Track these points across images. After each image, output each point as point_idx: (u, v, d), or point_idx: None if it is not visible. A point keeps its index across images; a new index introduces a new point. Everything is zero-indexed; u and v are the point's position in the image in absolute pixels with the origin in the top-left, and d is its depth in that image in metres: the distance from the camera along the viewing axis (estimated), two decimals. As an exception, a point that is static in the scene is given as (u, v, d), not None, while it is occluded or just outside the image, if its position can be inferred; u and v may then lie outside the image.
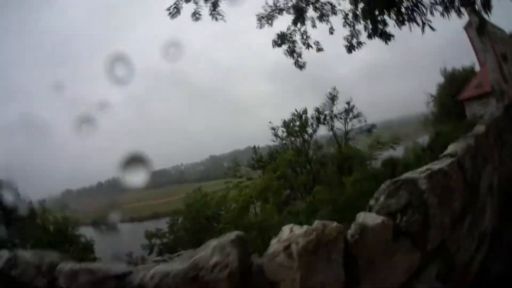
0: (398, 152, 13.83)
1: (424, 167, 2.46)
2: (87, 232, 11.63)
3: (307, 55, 8.40)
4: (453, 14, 5.90)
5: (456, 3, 5.76)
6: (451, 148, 3.28)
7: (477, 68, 20.25)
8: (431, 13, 5.86)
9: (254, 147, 20.92)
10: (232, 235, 1.67)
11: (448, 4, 5.75)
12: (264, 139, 21.73)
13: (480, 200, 3.20)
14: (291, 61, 8.29)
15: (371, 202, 2.09)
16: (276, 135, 20.66)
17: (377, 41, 7.18)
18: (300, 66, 8.49)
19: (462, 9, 5.95)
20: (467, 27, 16.84)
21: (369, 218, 1.85)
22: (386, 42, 6.82)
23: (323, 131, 21.10)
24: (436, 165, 2.57)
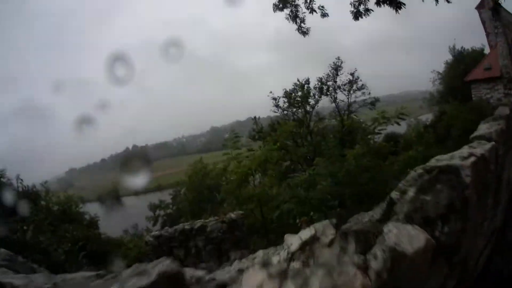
0: (400, 128, 13.60)
1: (465, 150, 1.91)
2: (92, 209, 11.85)
3: (310, 22, 7.93)
4: None
5: None
6: (483, 129, 2.80)
7: (487, 50, 19.45)
8: None
9: (255, 117, 20.64)
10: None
11: None
12: (265, 110, 21.42)
13: (501, 193, 2.79)
14: (294, 27, 7.85)
15: (394, 194, 1.69)
16: (277, 105, 20.30)
17: (385, 11, 6.72)
18: (303, 32, 8.03)
19: None
20: (479, 7, 15.87)
21: (403, 236, 1.31)
22: (396, 10, 6.36)
23: (325, 102, 20.67)
24: (476, 149, 2.06)
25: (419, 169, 1.66)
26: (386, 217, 1.73)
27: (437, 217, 1.48)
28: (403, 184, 1.68)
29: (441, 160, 1.78)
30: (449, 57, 24.53)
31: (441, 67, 25.57)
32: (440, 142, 12.85)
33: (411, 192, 1.59)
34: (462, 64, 22.04)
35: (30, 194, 9.51)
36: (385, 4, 6.46)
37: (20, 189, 9.45)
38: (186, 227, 7.15)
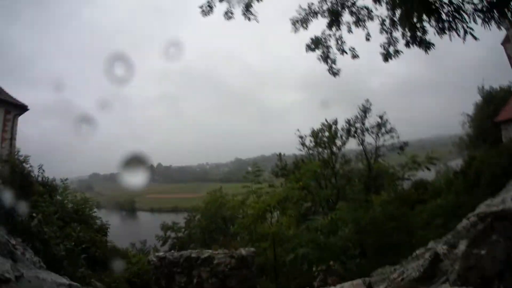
0: (428, 174, 12.81)
1: None
2: (106, 216, 11.89)
3: (340, 63, 8.07)
4: (493, 27, 5.30)
5: (495, 13, 5.16)
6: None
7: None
8: (474, 21, 5.32)
9: (280, 154, 20.52)
10: None
11: (488, 13, 5.17)
12: (291, 148, 21.25)
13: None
14: (324, 68, 7.99)
15: (441, 249, 1.31)
16: (303, 144, 20.08)
17: (412, 55, 6.75)
18: (334, 73, 8.10)
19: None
20: (504, 42, 15.41)
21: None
22: (426, 51, 6.29)
23: (352, 144, 20.14)
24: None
25: (472, 217, 1.29)
26: (429, 275, 1.37)
27: (495, 275, 1.16)
28: (452, 236, 1.34)
29: (491, 205, 1.44)
30: (478, 98, 23.26)
31: (470, 109, 24.34)
32: (470, 190, 11.97)
33: (462, 246, 1.29)
34: (491, 104, 20.77)
35: (47, 186, 9.80)
36: (414, 45, 6.44)
37: (40, 179, 9.80)
38: (193, 255, 6.84)
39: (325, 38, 7.67)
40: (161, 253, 7.17)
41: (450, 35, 5.36)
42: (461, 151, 25.14)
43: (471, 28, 5.12)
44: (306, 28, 7.43)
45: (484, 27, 5.04)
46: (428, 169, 8.11)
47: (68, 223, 8.52)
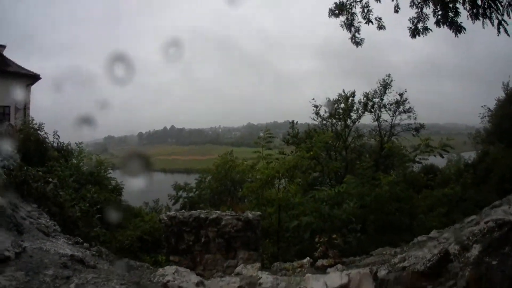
0: (439, 161, 12.61)
1: None
2: (120, 176, 12.39)
3: (362, 33, 7.60)
4: None
5: None
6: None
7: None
8: (508, 14, 4.85)
9: (293, 121, 20.26)
10: None
11: None
12: (304, 116, 20.99)
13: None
14: (342, 37, 7.58)
15: (452, 248, 1.20)
16: (317, 113, 19.72)
17: (440, 35, 6.31)
18: (357, 42, 7.71)
19: None
20: None
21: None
22: (456, 34, 5.89)
23: (367, 119, 19.62)
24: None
25: (490, 222, 1.20)
26: (435, 273, 1.34)
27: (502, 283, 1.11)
28: (467, 237, 1.26)
29: (509, 212, 1.35)
30: (501, 94, 22.10)
31: (492, 103, 23.15)
32: (478, 185, 11.84)
33: (475, 251, 1.21)
34: None
35: (63, 150, 10.19)
36: (445, 26, 5.97)
37: (55, 144, 10.17)
38: (202, 215, 7.11)
39: (350, 4, 7.16)
40: (172, 213, 7.50)
41: (483, 23, 4.97)
42: (475, 144, 24.44)
43: (505, 22, 4.72)
44: None
45: None
46: (442, 156, 7.84)
47: (84, 185, 8.92)
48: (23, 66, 15.87)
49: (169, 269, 3.06)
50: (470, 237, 1.29)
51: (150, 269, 3.81)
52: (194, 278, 2.90)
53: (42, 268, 2.08)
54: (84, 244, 4.09)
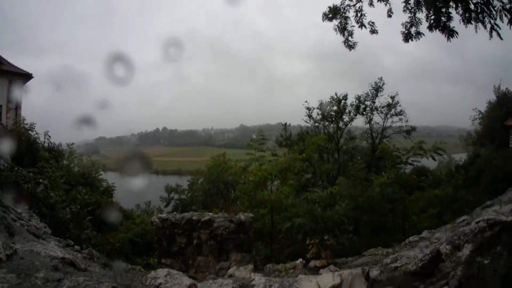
0: (430, 163, 12.91)
1: None
2: (112, 178, 12.22)
3: (355, 37, 7.71)
4: None
5: None
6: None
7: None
8: (501, 19, 4.99)
9: (285, 124, 20.35)
10: None
11: None
12: (296, 118, 21.06)
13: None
14: (335, 40, 7.68)
15: (444, 248, 1.21)
16: (310, 116, 19.85)
17: (432, 39, 6.47)
18: (350, 45, 7.80)
19: None
20: None
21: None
22: (448, 38, 6.01)
23: (359, 122, 19.85)
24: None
25: (481, 222, 1.22)
26: (427, 273, 1.36)
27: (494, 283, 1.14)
28: (458, 237, 1.28)
29: (500, 213, 1.38)
30: (493, 97, 22.89)
31: (483, 106, 23.83)
32: (469, 186, 12.11)
33: (467, 250, 1.22)
34: (504, 106, 20.63)
35: (54, 151, 9.99)
36: (437, 30, 6.10)
37: (46, 145, 9.98)
38: (194, 217, 7.06)
39: (344, 8, 7.26)
40: (163, 215, 7.43)
41: (476, 27, 5.08)
42: (466, 146, 25.10)
43: (497, 26, 4.84)
44: None
45: (510, 27, 4.76)
46: (434, 158, 8.00)
47: (75, 186, 8.78)
48: (14, 65, 15.55)
49: (161, 272, 3.03)
50: (461, 237, 1.31)
51: (142, 272, 3.77)
52: (187, 281, 2.88)
53: (33, 271, 2.04)
54: (75, 246, 4.01)
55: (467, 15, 5.30)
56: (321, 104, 19.56)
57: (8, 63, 15.37)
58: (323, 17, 7.53)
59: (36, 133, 9.76)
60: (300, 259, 4.30)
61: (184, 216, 7.24)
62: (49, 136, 10.17)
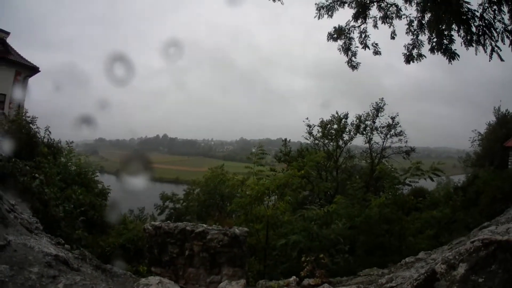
0: (428, 184, 12.88)
1: None
2: (108, 181, 12.14)
3: (358, 56, 7.90)
4: None
5: None
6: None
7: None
8: (502, 40, 5.12)
9: (285, 139, 20.46)
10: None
11: None
12: (296, 135, 21.24)
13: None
14: (339, 59, 7.87)
15: (439, 267, 1.24)
16: (310, 133, 19.99)
17: (433, 60, 6.63)
18: (353, 66, 7.97)
19: None
20: None
21: None
22: (450, 61, 6.14)
23: (359, 141, 19.97)
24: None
25: (476, 241, 1.22)
26: None
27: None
28: (453, 256, 1.27)
29: (496, 232, 1.39)
30: (492, 118, 23.07)
31: (482, 127, 24.00)
32: (467, 207, 12.01)
33: (462, 269, 1.22)
34: (504, 128, 20.77)
35: (52, 147, 9.95)
36: (439, 52, 6.25)
37: (45, 140, 9.95)
38: (188, 228, 6.95)
39: (349, 29, 7.46)
40: (157, 223, 7.32)
41: (476, 49, 5.20)
42: (465, 168, 25.18)
43: (498, 48, 4.96)
44: (331, 17, 7.22)
45: None
46: (432, 179, 8.01)
47: (70, 185, 8.70)
48: (23, 56, 15.61)
49: (153, 280, 2.98)
50: (457, 256, 1.31)
51: (133, 278, 3.69)
52: (178, 291, 2.83)
53: (26, 265, 2.01)
54: (66, 245, 3.94)
55: (468, 37, 5.42)
56: (321, 122, 19.76)
57: (17, 53, 15.44)
58: (328, 37, 7.74)
59: (37, 127, 9.77)
60: (294, 277, 4.22)
61: (178, 225, 7.14)
62: (50, 132, 10.18)
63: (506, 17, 5.06)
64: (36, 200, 5.50)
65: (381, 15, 7.08)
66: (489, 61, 5.26)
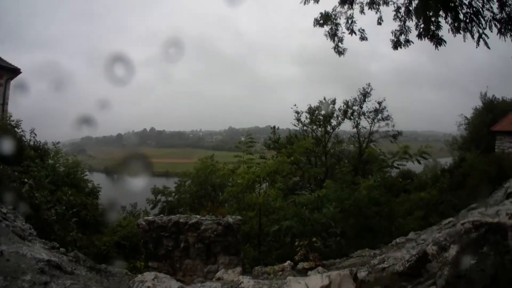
0: (416, 166, 13.21)
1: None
2: (98, 179, 11.95)
3: (345, 42, 7.89)
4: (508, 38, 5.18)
5: None
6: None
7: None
8: (490, 28, 5.21)
9: (274, 127, 20.52)
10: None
11: (506, 24, 5.02)
12: (284, 122, 21.35)
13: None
14: (324, 45, 7.85)
15: (430, 249, 1.27)
16: (298, 119, 20.10)
17: (420, 45, 6.71)
18: (339, 51, 7.96)
19: None
20: None
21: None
22: (436, 47, 6.23)
23: (347, 126, 20.25)
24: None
25: (467, 223, 1.26)
26: (414, 273, 1.41)
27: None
28: (444, 238, 1.32)
29: (485, 214, 1.45)
30: (479, 103, 23.81)
31: (469, 112, 24.74)
32: (454, 189, 12.47)
33: (453, 251, 1.24)
34: (490, 113, 21.41)
35: (39, 150, 9.69)
36: (426, 38, 6.31)
37: (32, 143, 9.67)
38: (181, 220, 6.98)
39: (335, 15, 7.41)
40: (150, 217, 7.32)
41: (464, 36, 5.26)
42: (452, 151, 25.83)
43: (486, 35, 5.01)
44: (317, 2, 7.13)
45: (500, 37, 4.93)
46: (419, 162, 8.22)
47: (60, 187, 8.54)
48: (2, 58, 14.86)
49: (148, 275, 2.99)
50: (447, 238, 1.37)
51: (129, 275, 3.71)
52: (174, 284, 2.85)
53: (19, 274, 1.99)
54: (61, 249, 3.91)
55: (456, 24, 5.47)
56: (309, 108, 19.87)
57: (-4, 57, 14.71)
58: (314, 23, 7.67)
59: (22, 131, 9.47)
60: (288, 261, 4.33)
61: (171, 218, 7.16)
62: (35, 134, 9.88)
63: (495, 6, 5.12)
64: (28, 205, 5.37)
65: (368, 0, 7.04)
66: (476, 47, 5.34)
